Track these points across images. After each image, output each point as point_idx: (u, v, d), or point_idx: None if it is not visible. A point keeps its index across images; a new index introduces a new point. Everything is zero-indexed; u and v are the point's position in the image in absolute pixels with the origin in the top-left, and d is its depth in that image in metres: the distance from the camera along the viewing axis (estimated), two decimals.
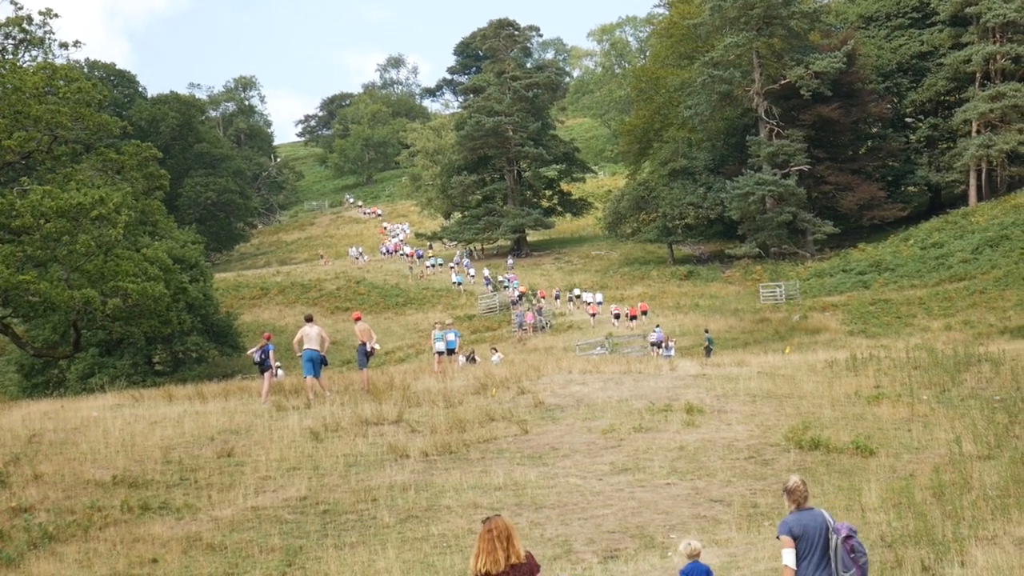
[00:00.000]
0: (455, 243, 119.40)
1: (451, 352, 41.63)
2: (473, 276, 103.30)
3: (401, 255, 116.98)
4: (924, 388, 29.82)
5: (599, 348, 60.86)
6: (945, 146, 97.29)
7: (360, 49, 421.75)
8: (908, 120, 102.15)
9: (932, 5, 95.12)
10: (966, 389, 29.47)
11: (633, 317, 74.75)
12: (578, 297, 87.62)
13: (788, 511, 11.15)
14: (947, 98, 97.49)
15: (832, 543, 10.84)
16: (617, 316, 76.66)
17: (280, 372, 47.70)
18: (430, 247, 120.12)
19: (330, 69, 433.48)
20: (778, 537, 11.09)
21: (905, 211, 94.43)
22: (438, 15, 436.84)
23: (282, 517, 19.90)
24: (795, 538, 10.80)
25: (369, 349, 32.33)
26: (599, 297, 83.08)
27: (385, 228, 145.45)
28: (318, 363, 30.51)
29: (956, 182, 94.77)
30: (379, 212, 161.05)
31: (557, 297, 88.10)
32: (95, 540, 19.05)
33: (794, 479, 11.09)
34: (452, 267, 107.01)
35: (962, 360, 33.03)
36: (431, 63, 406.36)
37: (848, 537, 10.85)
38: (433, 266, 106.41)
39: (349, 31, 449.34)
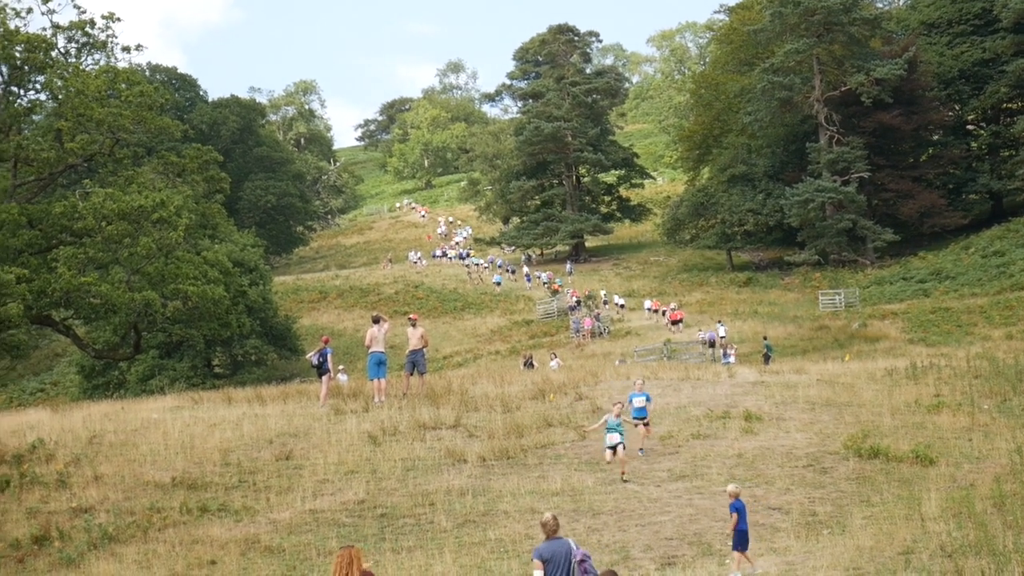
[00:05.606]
0: (513, 248, 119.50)
1: (641, 419, 26.17)
2: (513, 275, 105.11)
3: (448, 257, 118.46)
4: (985, 397, 29.55)
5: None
6: (1007, 154, 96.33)
7: (415, 59, 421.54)
8: (969, 127, 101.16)
9: (995, 12, 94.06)
10: None
11: (674, 322, 74.32)
12: (605, 303, 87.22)
13: (542, 540, 13.45)
14: (1009, 105, 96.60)
15: (572, 566, 13.17)
16: (665, 315, 76.34)
17: (343, 376, 47.74)
18: (470, 250, 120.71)
19: (385, 79, 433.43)
20: (531, 561, 13.61)
21: (966, 219, 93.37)
22: (497, 19, 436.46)
23: (340, 520, 19.97)
24: (544, 562, 13.14)
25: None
26: (647, 303, 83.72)
27: (440, 226, 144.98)
28: (385, 365, 30.40)
29: (1018, 190, 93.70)
30: (423, 213, 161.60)
31: (606, 303, 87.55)
32: (154, 541, 19.20)
33: (547, 516, 13.52)
34: (486, 267, 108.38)
35: None
36: (490, 69, 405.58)
37: (582, 561, 13.25)
38: (468, 265, 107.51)
39: (404, 42, 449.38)
